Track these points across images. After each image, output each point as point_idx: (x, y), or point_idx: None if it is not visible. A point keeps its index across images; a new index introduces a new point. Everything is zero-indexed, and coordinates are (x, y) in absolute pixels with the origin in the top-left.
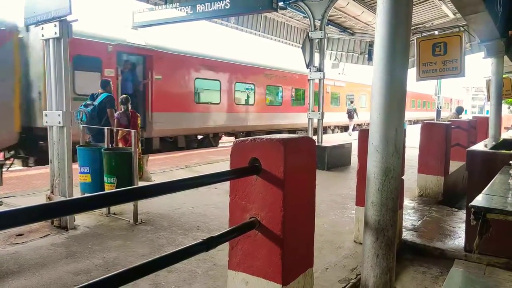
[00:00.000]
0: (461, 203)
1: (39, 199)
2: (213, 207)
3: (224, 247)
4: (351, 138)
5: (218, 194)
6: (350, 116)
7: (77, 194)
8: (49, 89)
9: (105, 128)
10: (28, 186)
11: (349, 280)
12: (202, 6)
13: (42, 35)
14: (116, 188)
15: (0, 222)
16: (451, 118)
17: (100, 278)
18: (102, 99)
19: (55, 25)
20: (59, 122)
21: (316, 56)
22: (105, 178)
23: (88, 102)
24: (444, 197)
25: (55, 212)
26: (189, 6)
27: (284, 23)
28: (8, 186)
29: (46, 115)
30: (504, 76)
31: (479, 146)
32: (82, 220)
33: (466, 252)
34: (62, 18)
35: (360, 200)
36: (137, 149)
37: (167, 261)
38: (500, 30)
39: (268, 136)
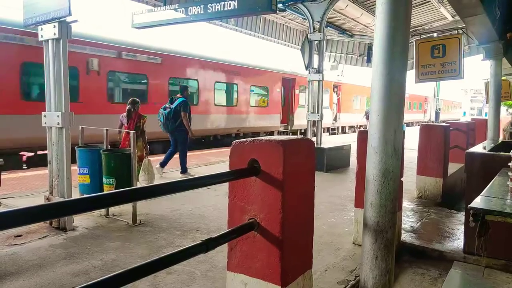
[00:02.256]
0: (460, 205)
1: (38, 200)
2: (212, 208)
3: (223, 249)
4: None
5: (217, 196)
6: (367, 117)
7: (76, 195)
8: (48, 90)
9: (104, 129)
10: (26, 187)
11: (348, 282)
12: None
13: (41, 36)
14: (115, 189)
15: None
16: (509, 126)
17: (99, 279)
18: (178, 103)
19: (54, 26)
20: (58, 123)
21: (315, 58)
22: (104, 179)
23: (167, 105)
24: (443, 199)
25: (53, 213)
26: (188, 8)
27: (283, 24)
28: (7, 187)
29: (45, 116)
30: (502, 78)
31: (478, 148)
32: (81, 221)
33: (465, 254)
34: (61, 19)
35: (359, 201)
36: (135, 150)
37: (166, 262)
38: (498, 33)
39: (268, 138)
